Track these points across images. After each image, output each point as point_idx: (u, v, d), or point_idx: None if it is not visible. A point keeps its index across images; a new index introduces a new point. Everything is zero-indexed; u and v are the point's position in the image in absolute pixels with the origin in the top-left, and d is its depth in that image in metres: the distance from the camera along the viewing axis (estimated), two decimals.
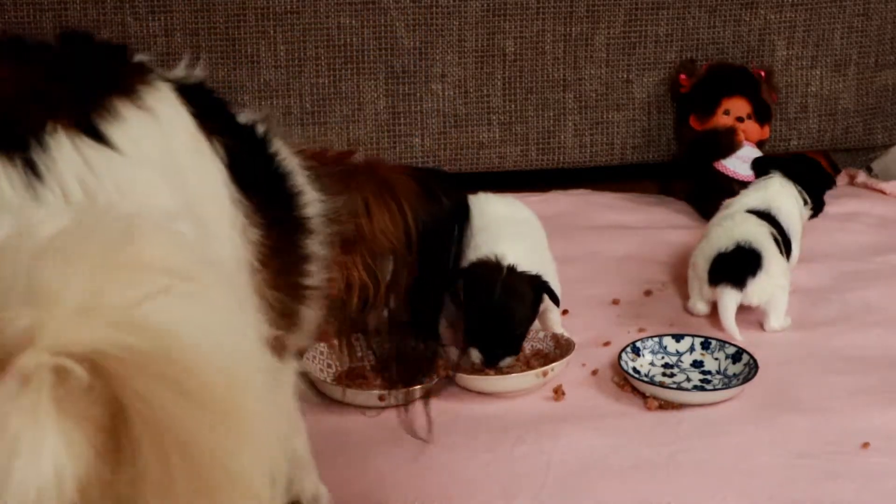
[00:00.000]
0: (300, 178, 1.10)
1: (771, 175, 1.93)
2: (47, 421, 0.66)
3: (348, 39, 2.17)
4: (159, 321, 0.68)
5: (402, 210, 1.21)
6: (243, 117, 1.10)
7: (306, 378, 1.20)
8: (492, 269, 1.60)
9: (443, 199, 1.24)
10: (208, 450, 0.71)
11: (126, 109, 0.87)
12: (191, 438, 0.70)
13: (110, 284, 0.68)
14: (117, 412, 0.68)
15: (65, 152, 0.81)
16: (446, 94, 2.23)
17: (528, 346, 1.65)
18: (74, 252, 0.69)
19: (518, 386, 1.58)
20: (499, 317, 1.59)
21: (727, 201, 1.90)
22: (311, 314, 1.12)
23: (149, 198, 0.84)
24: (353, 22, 2.16)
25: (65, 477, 0.66)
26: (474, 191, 2.22)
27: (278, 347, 1.03)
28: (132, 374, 0.67)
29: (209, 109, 1.00)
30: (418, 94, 2.22)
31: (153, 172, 0.86)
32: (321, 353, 1.65)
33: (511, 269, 1.59)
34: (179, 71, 1.03)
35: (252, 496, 0.73)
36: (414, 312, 1.23)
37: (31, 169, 0.79)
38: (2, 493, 0.65)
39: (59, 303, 0.66)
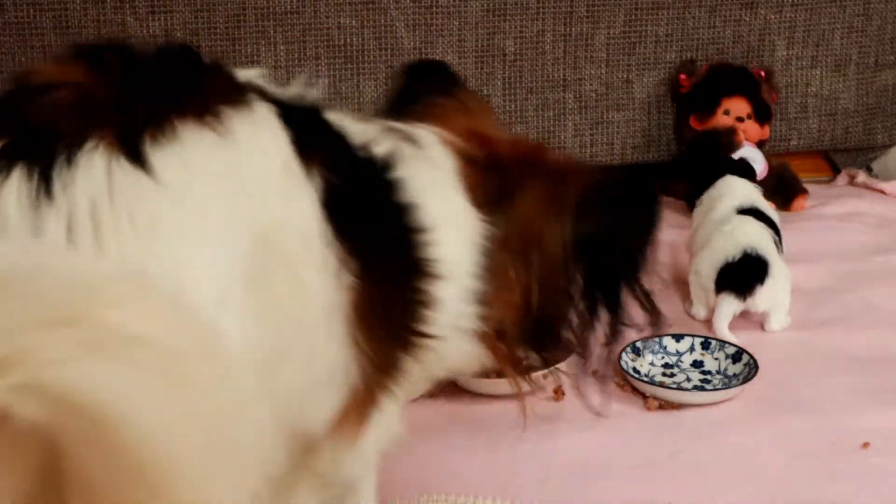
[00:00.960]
0: (433, 207, 0.97)
1: (723, 175, 1.94)
2: None
3: (348, 39, 2.17)
4: (75, 386, 0.61)
5: (569, 212, 1.05)
6: (364, 143, 0.96)
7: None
8: None
9: (624, 206, 1.08)
10: None
11: (187, 131, 0.79)
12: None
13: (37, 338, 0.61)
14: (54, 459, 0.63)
15: (91, 172, 0.74)
16: None
17: None
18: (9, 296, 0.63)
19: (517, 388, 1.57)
20: None
21: (705, 198, 1.91)
22: (424, 364, 1.01)
23: (173, 234, 0.75)
24: (353, 22, 2.16)
25: None
26: None
27: (367, 401, 0.96)
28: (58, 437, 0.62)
29: (316, 136, 0.90)
30: None
31: (193, 206, 0.77)
32: None
33: None
34: (294, 89, 0.95)
35: None
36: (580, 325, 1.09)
37: (45, 185, 0.74)
38: None
39: None
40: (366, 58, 2.18)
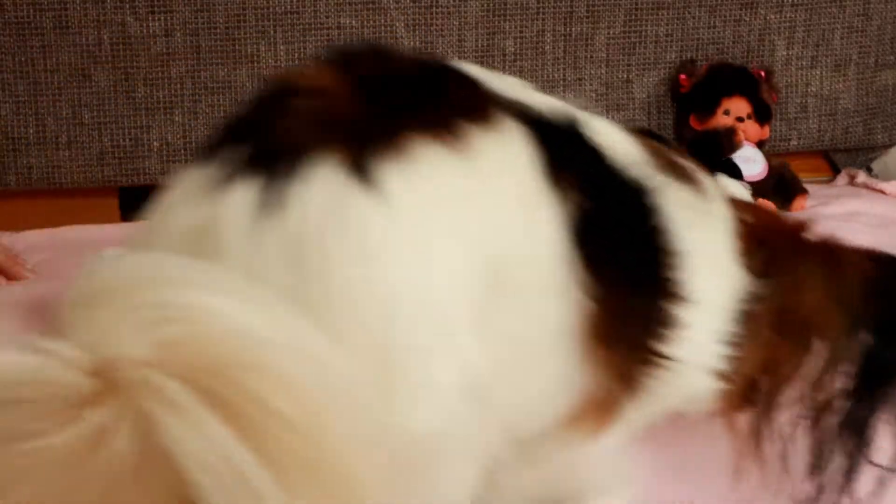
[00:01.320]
0: (693, 239, 0.94)
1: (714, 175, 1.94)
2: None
3: (348, 39, 2.17)
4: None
5: (847, 291, 1.01)
6: (627, 165, 0.94)
7: None
8: None
9: None
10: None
11: (425, 150, 0.75)
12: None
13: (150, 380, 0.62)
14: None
15: (320, 188, 0.72)
16: None
17: None
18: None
19: None
20: None
21: None
22: (658, 388, 0.97)
23: (397, 259, 0.73)
24: (353, 22, 2.16)
25: None
26: None
27: (604, 408, 0.94)
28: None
29: (571, 155, 0.88)
30: None
31: (421, 230, 0.74)
32: None
33: None
34: (554, 99, 0.94)
35: None
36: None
37: (272, 198, 0.72)
38: None
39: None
40: None
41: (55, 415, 0.60)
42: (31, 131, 2.14)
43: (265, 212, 0.71)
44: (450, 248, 0.75)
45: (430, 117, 0.77)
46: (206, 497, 0.59)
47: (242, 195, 0.72)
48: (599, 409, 0.93)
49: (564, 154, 0.86)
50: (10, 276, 1.95)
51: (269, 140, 0.75)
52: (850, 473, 1.02)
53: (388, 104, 0.78)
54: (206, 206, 0.75)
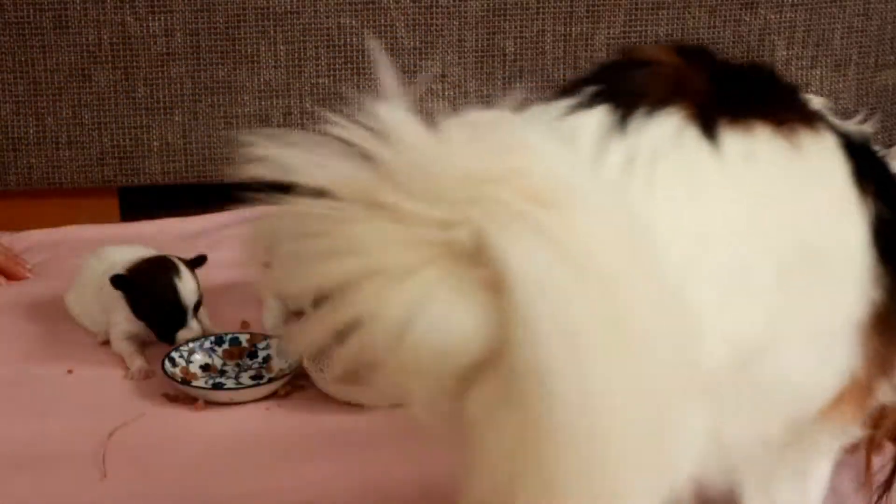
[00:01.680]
0: None
1: None
2: (458, 291, 0.69)
3: (348, 39, 2.17)
4: (500, 248, 0.69)
5: None
6: None
7: None
8: None
9: None
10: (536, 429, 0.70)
11: (762, 132, 0.87)
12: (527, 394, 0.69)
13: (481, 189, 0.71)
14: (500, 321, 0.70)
15: (664, 128, 0.85)
16: (446, 94, 2.23)
17: None
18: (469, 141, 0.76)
19: None
20: None
21: None
22: None
23: (717, 206, 0.84)
24: (353, 22, 2.16)
25: (462, 345, 0.69)
26: None
27: (865, 394, 1.00)
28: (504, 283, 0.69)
29: (871, 169, 0.98)
30: (418, 94, 2.21)
31: (744, 196, 0.86)
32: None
33: None
34: (851, 123, 1.03)
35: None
36: None
37: (622, 123, 0.85)
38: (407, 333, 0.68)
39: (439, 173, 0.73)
40: (366, 58, 2.18)
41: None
42: (32, 131, 2.14)
43: (617, 130, 0.85)
44: (769, 219, 0.86)
45: (770, 110, 0.90)
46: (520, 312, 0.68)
47: (601, 115, 0.86)
48: (859, 396, 0.99)
49: (865, 165, 0.96)
50: (10, 276, 1.95)
51: (624, 86, 0.89)
52: None
53: (734, 87, 0.91)
54: (567, 119, 0.88)
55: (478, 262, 0.70)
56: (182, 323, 1.67)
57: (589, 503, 0.73)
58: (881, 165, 1.03)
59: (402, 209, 0.72)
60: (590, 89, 0.90)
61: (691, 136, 0.85)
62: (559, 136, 0.85)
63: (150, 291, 1.66)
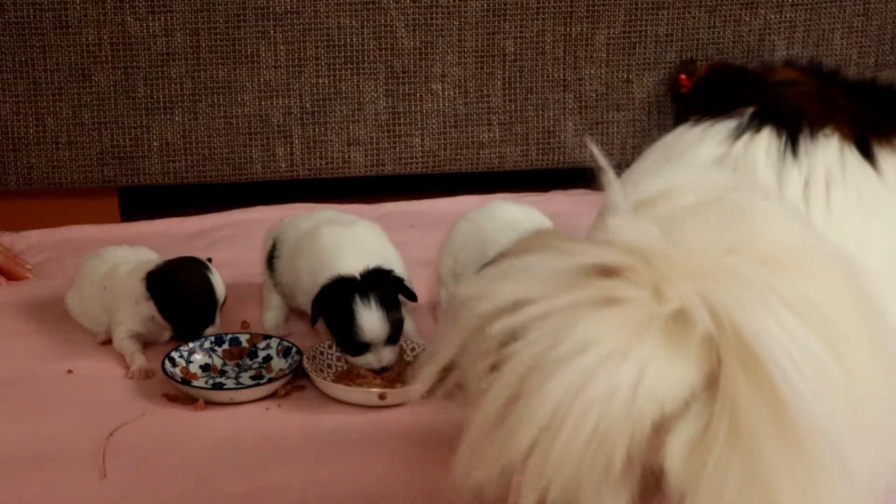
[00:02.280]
0: None
1: None
2: (655, 343, 0.76)
3: (348, 39, 2.17)
4: (736, 313, 0.75)
5: None
6: None
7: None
8: None
9: None
10: (770, 464, 0.75)
11: (829, 141, 0.96)
12: (756, 435, 0.75)
13: (712, 258, 0.78)
14: (714, 371, 0.76)
15: (828, 149, 0.94)
16: (446, 94, 2.23)
17: None
18: (693, 221, 0.80)
19: None
20: None
21: None
22: None
23: (887, 221, 0.92)
24: (353, 22, 2.16)
25: (646, 390, 0.75)
26: (474, 192, 2.23)
27: None
28: (719, 341, 0.75)
29: None
30: (418, 94, 2.22)
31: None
32: (321, 352, 1.65)
33: None
34: None
35: None
36: None
37: (792, 146, 0.94)
38: (588, 385, 0.75)
39: (663, 257, 0.77)
40: (366, 58, 2.18)
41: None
42: (32, 131, 2.14)
43: (788, 153, 0.93)
44: None
45: (865, 115, 0.99)
46: (777, 375, 0.74)
47: (769, 139, 0.94)
48: None
49: None
50: (10, 276, 1.95)
51: (781, 107, 0.97)
52: None
53: (871, 104, 1.00)
54: (733, 145, 0.96)
55: (685, 326, 0.76)
56: (211, 321, 1.68)
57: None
58: None
59: (626, 299, 0.78)
60: (747, 110, 0.98)
61: (853, 156, 0.94)
62: (768, 191, 0.91)
63: (190, 289, 1.67)
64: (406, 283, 1.62)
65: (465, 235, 1.72)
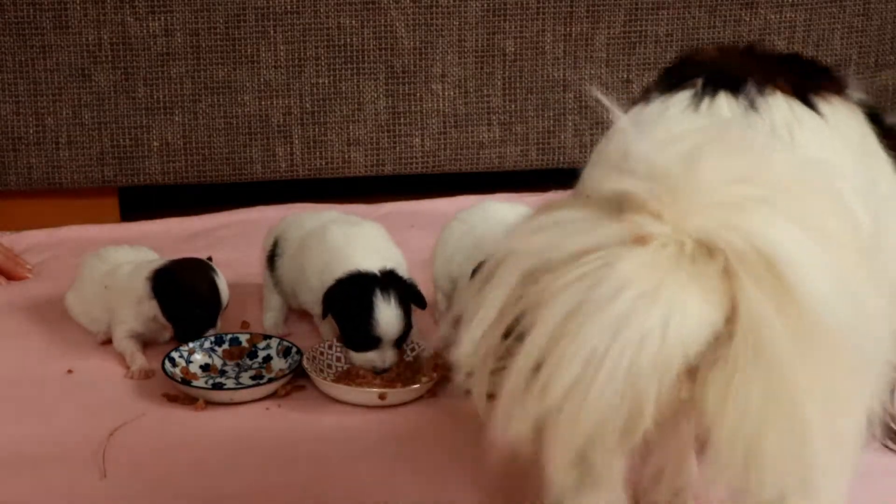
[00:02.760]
0: None
1: None
2: (666, 278, 0.80)
3: (348, 39, 2.17)
4: (758, 230, 0.82)
5: None
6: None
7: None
8: None
9: None
10: (790, 373, 0.81)
11: (834, 99, 1.08)
12: (776, 350, 0.80)
13: (727, 188, 0.84)
14: (733, 302, 0.81)
15: (778, 103, 1.03)
16: (446, 94, 2.23)
17: None
18: (706, 154, 0.86)
19: None
20: None
21: None
22: None
23: (831, 155, 1.01)
24: (353, 22, 2.16)
25: (674, 330, 0.80)
26: (474, 192, 2.23)
27: None
28: (738, 269, 0.81)
29: (888, 130, 1.18)
30: (418, 94, 2.22)
31: (843, 142, 1.04)
32: (321, 353, 1.65)
33: None
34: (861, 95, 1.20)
35: (801, 457, 0.83)
36: None
37: (751, 105, 1.02)
38: (622, 330, 0.79)
39: (684, 191, 0.83)
40: (366, 58, 2.18)
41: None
42: (32, 131, 2.14)
43: (748, 109, 1.02)
44: (860, 160, 1.07)
45: (830, 85, 1.11)
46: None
47: (727, 101, 1.02)
48: None
49: (883, 127, 1.16)
50: (10, 276, 1.95)
51: (721, 74, 1.05)
52: None
53: (803, 71, 1.11)
54: (704, 112, 1.03)
55: (709, 257, 0.82)
56: (213, 323, 1.69)
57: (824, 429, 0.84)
58: (889, 128, 1.20)
59: (654, 234, 0.83)
60: (697, 81, 1.05)
61: (799, 107, 1.03)
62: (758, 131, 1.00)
63: (195, 291, 1.67)
64: (419, 289, 1.63)
65: (457, 238, 1.71)
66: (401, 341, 1.60)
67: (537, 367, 0.83)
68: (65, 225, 2.14)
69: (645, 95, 1.12)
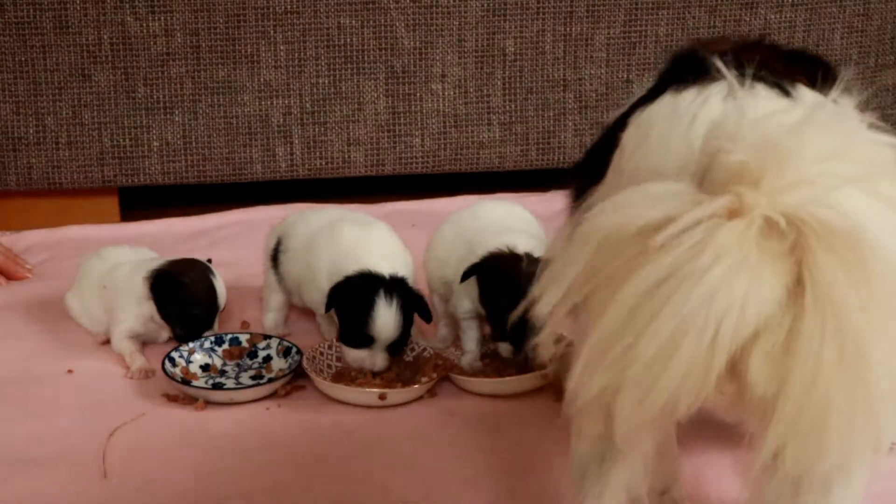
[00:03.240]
0: None
1: None
2: (752, 251, 0.84)
3: (348, 39, 2.17)
4: (849, 208, 0.86)
5: None
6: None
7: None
8: (510, 260, 1.57)
9: None
10: (861, 341, 0.84)
11: (802, 87, 1.10)
12: (848, 323, 0.84)
13: (822, 166, 0.88)
14: (799, 275, 0.85)
15: (808, 95, 1.07)
16: (446, 94, 2.23)
17: None
18: (803, 136, 0.89)
19: (518, 388, 1.58)
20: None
21: None
22: None
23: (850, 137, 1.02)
24: (353, 22, 2.16)
25: (752, 303, 0.84)
26: (474, 192, 2.23)
27: None
28: (817, 244, 0.84)
29: None
30: (418, 94, 2.22)
31: (825, 118, 1.02)
32: (321, 353, 1.65)
33: (529, 255, 1.57)
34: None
35: (870, 417, 0.87)
36: None
37: (786, 95, 1.05)
38: (712, 301, 0.83)
39: (779, 171, 0.87)
40: (366, 58, 2.18)
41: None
42: (32, 131, 2.14)
43: (785, 99, 1.05)
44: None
45: (802, 72, 1.13)
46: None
47: (766, 90, 1.05)
48: None
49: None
50: (10, 277, 1.95)
51: (744, 68, 1.06)
52: None
53: (795, 62, 1.16)
54: (733, 99, 1.04)
55: (789, 230, 0.86)
56: (209, 325, 1.69)
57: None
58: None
59: (749, 208, 0.86)
60: (727, 72, 1.06)
61: (823, 99, 1.07)
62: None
63: (192, 292, 1.67)
64: (426, 300, 1.63)
65: (449, 241, 1.70)
66: (395, 348, 1.59)
67: (625, 327, 0.87)
68: (65, 225, 2.15)
69: (660, 87, 1.15)
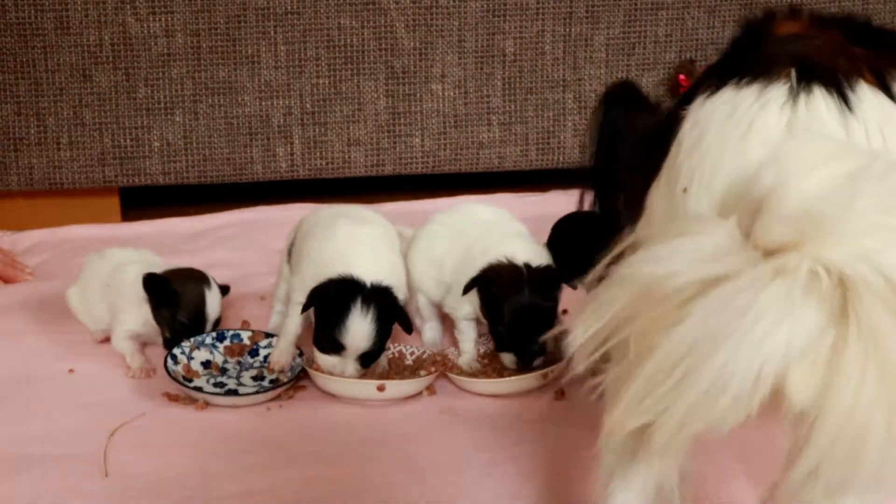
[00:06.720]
0: None
1: None
2: (796, 300, 0.88)
3: (348, 40, 2.17)
4: (889, 265, 0.89)
5: None
6: None
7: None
8: (511, 271, 1.58)
9: None
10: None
11: (863, 92, 1.07)
12: (891, 350, 0.88)
13: (868, 227, 0.90)
14: (840, 319, 0.88)
15: (868, 98, 1.05)
16: (446, 94, 2.23)
17: None
18: (857, 191, 0.91)
19: (518, 388, 1.58)
20: (534, 317, 1.56)
21: None
22: None
23: None
24: (354, 22, 2.16)
25: (795, 346, 0.88)
26: (474, 192, 2.23)
27: None
28: (861, 293, 0.88)
29: None
30: (418, 94, 2.22)
31: None
32: None
33: (529, 266, 1.57)
34: None
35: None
36: None
37: (845, 102, 1.04)
38: (756, 354, 0.87)
39: (827, 228, 0.89)
40: (366, 58, 2.19)
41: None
42: (33, 132, 2.14)
43: (845, 109, 1.04)
44: None
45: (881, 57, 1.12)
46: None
47: (825, 99, 1.04)
48: None
49: None
50: (9, 281, 1.95)
51: (811, 64, 1.06)
52: None
53: (876, 45, 1.14)
54: (802, 111, 1.05)
55: (835, 283, 0.89)
56: (198, 334, 1.67)
57: None
58: None
59: (794, 269, 0.90)
60: (789, 71, 1.06)
61: (885, 100, 1.06)
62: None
63: (182, 299, 1.67)
64: (406, 310, 1.60)
65: (445, 241, 1.69)
66: (367, 358, 1.56)
67: (670, 372, 0.91)
68: (66, 225, 2.15)
69: (719, 74, 1.12)
